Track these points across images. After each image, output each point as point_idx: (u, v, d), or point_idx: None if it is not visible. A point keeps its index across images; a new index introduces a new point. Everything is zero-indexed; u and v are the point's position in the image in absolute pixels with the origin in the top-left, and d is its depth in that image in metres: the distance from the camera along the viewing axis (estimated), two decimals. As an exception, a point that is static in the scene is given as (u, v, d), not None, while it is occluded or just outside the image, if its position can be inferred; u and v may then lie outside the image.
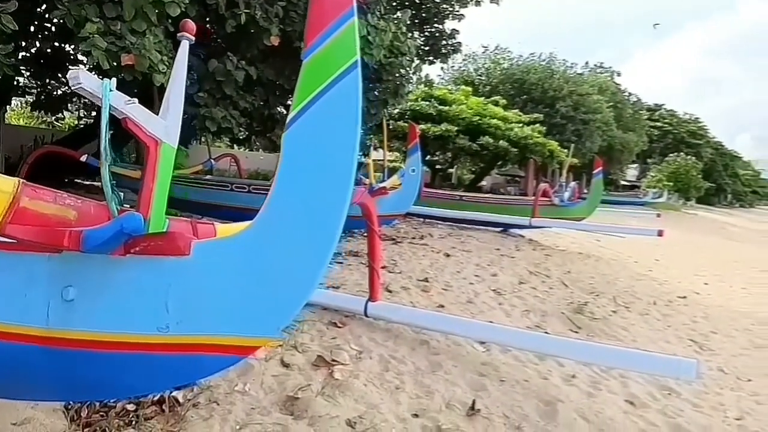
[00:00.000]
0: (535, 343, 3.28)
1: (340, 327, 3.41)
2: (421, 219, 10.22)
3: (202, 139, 10.81)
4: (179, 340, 1.45)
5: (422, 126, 18.84)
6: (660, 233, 8.75)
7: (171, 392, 2.13)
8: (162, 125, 1.59)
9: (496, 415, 2.60)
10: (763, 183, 73.79)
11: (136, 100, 1.54)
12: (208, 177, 8.04)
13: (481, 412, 2.58)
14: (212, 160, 8.95)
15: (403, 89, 7.61)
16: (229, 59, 6.21)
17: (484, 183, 30.96)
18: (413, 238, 7.96)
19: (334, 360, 2.82)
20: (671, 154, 41.11)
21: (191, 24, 1.68)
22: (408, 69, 7.58)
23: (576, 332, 4.72)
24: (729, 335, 5.62)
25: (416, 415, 2.47)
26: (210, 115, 6.32)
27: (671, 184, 38.55)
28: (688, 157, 40.30)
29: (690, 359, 2.76)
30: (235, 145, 18.59)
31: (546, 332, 4.48)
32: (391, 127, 17.11)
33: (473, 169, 28.92)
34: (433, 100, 20.03)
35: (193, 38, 1.71)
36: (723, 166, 52.13)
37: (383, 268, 5.52)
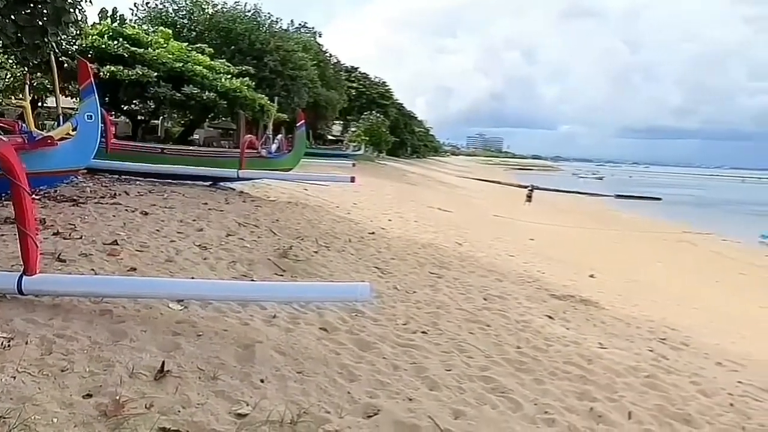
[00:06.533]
0: (234, 292, 3.25)
1: (-22, 314, 2.63)
2: (115, 176, 8.87)
3: None
4: None
5: (112, 68, 16.18)
6: (352, 179, 10.05)
7: None
8: None
9: (190, 371, 2.47)
10: (431, 138, 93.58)
11: None
12: None
13: (172, 372, 2.41)
14: None
15: (68, 16, 6.10)
16: None
17: (196, 136, 29.09)
18: (102, 197, 6.83)
19: (-37, 357, 2.15)
20: (366, 113, 47.01)
21: None
22: (73, -9, 6.15)
23: (281, 275, 4.93)
24: (403, 259, 6.86)
25: (89, 395, 2.12)
26: None
27: (367, 138, 44.46)
28: (378, 115, 46.89)
29: (364, 283, 3.19)
30: None
31: (252, 280, 4.54)
32: (67, 66, 14.10)
33: (182, 122, 26.75)
34: (122, 39, 17.30)
35: None
36: (404, 125, 62.83)
37: (56, 234, 4.57)
